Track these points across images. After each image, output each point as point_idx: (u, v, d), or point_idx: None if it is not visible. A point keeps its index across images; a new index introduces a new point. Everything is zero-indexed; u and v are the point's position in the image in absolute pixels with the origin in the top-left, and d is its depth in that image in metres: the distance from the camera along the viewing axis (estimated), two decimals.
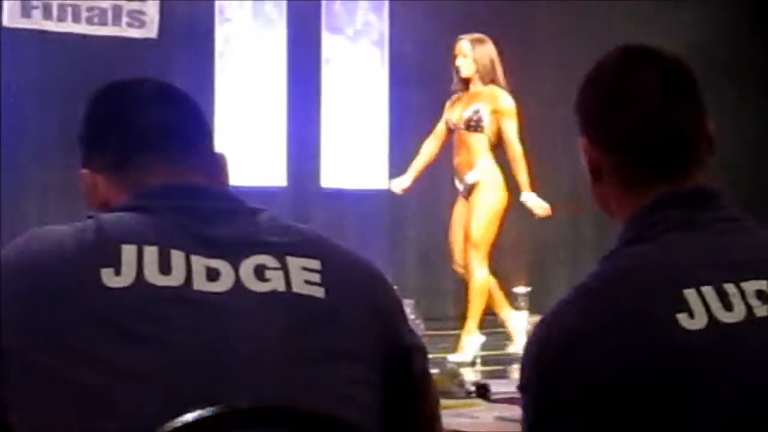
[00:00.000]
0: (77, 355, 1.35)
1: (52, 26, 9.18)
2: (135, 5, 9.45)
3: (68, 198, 9.08)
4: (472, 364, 6.85)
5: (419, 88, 10.49)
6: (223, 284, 1.41)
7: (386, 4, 10.39)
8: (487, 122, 6.92)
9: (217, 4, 9.80)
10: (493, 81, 6.99)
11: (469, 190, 7.04)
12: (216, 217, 1.50)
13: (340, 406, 1.36)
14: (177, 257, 1.42)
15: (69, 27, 9.25)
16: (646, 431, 1.41)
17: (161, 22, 9.55)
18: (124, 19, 9.41)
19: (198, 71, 9.29)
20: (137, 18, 9.44)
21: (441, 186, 10.71)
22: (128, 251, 1.40)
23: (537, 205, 7.21)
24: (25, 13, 9.10)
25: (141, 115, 1.62)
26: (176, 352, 1.35)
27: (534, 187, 7.30)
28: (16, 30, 9.12)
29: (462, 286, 10.57)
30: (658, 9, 10.04)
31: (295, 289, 1.43)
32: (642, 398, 1.40)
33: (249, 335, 1.39)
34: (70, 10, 9.26)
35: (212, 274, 1.42)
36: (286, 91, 9.96)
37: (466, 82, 7.07)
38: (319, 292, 1.44)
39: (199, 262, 1.41)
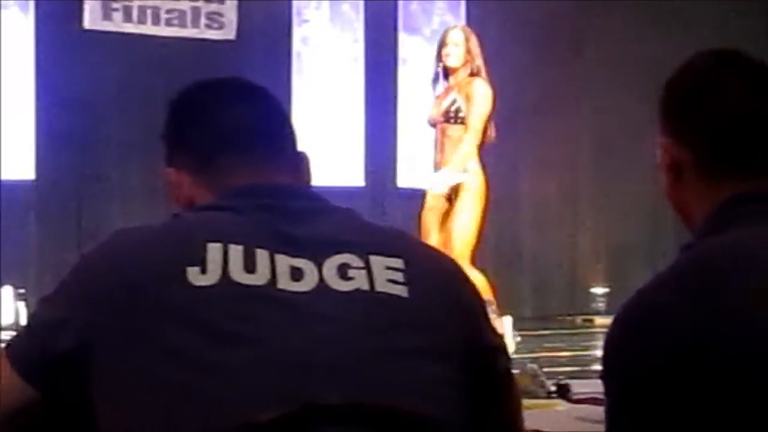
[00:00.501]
0: (163, 353, 1.37)
1: (131, 28, 9.28)
2: (213, 7, 9.53)
3: (149, 200, 9.25)
4: None
5: (498, 87, 10.52)
6: (307, 284, 1.42)
7: (463, 3, 10.38)
8: (464, 111, 6.67)
9: (294, 5, 9.87)
10: (479, 73, 6.76)
11: (454, 189, 6.69)
12: (300, 216, 1.51)
13: (425, 405, 1.36)
14: (262, 256, 1.42)
15: (148, 29, 9.37)
16: (711, 411, 1.41)
17: (239, 24, 9.64)
18: (203, 21, 9.48)
19: (275, 72, 9.32)
20: (216, 20, 9.49)
21: (518, 182, 10.71)
22: (214, 250, 1.42)
23: (438, 180, 6.74)
24: (106, 15, 9.18)
25: (225, 114, 1.63)
26: (261, 351, 1.36)
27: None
28: (97, 32, 9.25)
29: (539, 285, 10.58)
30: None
31: (379, 288, 1.43)
32: (718, 381, 1.39)
33: (333, 334, 1.39)
34: (149, 12, 9.35)
35: (296, 274, 1.42)
36: (363, 92, 9.99)
37: (447, 73, 6.83)
38: (402, 291, 1.44)
39: (283, 262, 1.42)
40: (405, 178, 10.11)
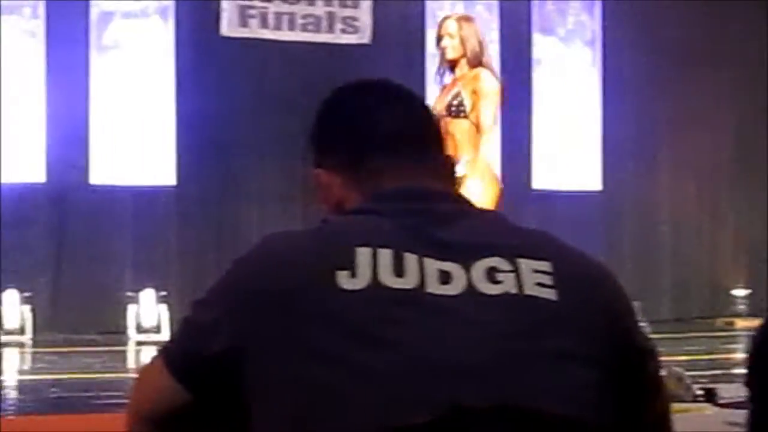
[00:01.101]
0: (313, 356, 1.38)
1: (268, 34, 9.42)
2: (348, 11, 9.60)
3: (286, 204, 9.42)
4: None
5: (633, 88, 10.35)
6: (456, 287, 1.42)
7: (598, 3, 10.25)
8: (468, 105, 6.35)
9: (428, 7, 9.86)
10: (481, 63, 6.41)
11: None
12: (447, 219, 1.51)
13: (572, 407, 1.37)
14: (410, 260, 1.43)
15: (285, 35, 9.53)
16: None
17: (374, 28, 9.70)
18: (338, 26, 9.61)
19: (410, 75, 9.21)
20: (351, 24, 9.61)
21: (656, 185, 10.55)
22: (363, 254, 1.43)
23: None
24: (243, 22, 9.37)
25: (375, 116, 1.63)
26: (409, 354, 1.37)
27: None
28: (234, 39, 9.46)
29: (678, 287, 10.39)
30: None
31: (527, 291, 1.43)
32: None
33: (481, 338, 1.40)
34: (285, 18, 9.50)
35: (445, 277, 1.43)
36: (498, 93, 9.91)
37: (452, 66, 6.51)
38: (551, 294, 1.43)
39: (431, 265, 1.43)
40: (539, 180, 10.04)
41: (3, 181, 9.22)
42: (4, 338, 8.68)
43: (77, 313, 9.34)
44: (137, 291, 9.11)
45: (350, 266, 1.41)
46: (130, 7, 9.38)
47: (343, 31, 9.60)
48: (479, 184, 6.37)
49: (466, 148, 6.29)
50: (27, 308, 8.87)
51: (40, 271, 9.36)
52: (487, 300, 1.41)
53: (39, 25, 9.24)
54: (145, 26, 9.40)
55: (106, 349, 8.39)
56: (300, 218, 8.95)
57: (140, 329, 8.97)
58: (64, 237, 9.50)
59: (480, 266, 1.44)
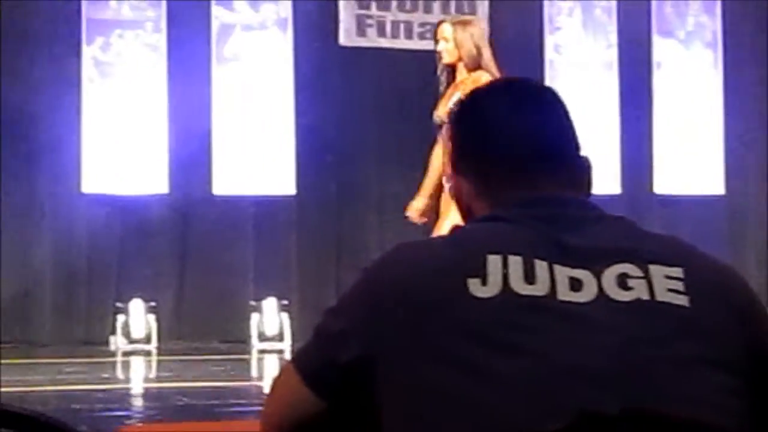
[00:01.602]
0: (445, 364, 1.39)
1: (385, 43, 9.51)
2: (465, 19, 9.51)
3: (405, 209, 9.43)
4: None
5: (755, 89, 10.15)
6: (587, 294, 1.43)
7: (718, 3, 10.08)
8: None
9: (546, 13, 9.87)
10: (481, 67, 6.25)
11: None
12: (577, 226, 1.51)
13: (705, 413, 1.36)
14: (541, 267, 1.44)
15: (402, 43, 9.60)
16: None
17: (490, 34, 9.27)
18: None
19: None
20: None
21: None
22: (493, 261, 1.44)
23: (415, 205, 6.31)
24: (361, 31, 9.49)
25: (506, 121, 1.61)
26: (541, 361, 1.38)
27: None
28: (352, 48, 9.57)
29: None
30: None
31: (659, 297, 1.43)
32: None
33: (613, 344, 1.39)
34: (402, 26, 9.58)
35: (575, 284, 1.44)
36: (617, 98, 9.87)
37: (451, 71, 6.37)
38: (683, 301, 1.43)
39: (562, 272, 1.44)
40: (661, 184, 9.91)
41: (127, 193, 9.44)
42: (131, 347, 8.88)
43: (200, 322, 9.48)
44: (259, 300, 9.20)
45: (481, 274, 1.42)
46: (249, 20, 9.51)
47: None
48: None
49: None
50: (152, 317, 9.02)
51: (165, 281, 9.52)
52: (618, 306, 1.41)
53: (161, 39, 9.44)
54: (265, 38, 9.53)
55: (230, 357, 8.48)
56: (420, 226, 8.94)
57: (262, 338, 9.07)
58: (187, 247, 9.64)
59: (611, 273, 1.44)
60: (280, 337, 9.05)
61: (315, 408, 1.49)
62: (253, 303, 9.22)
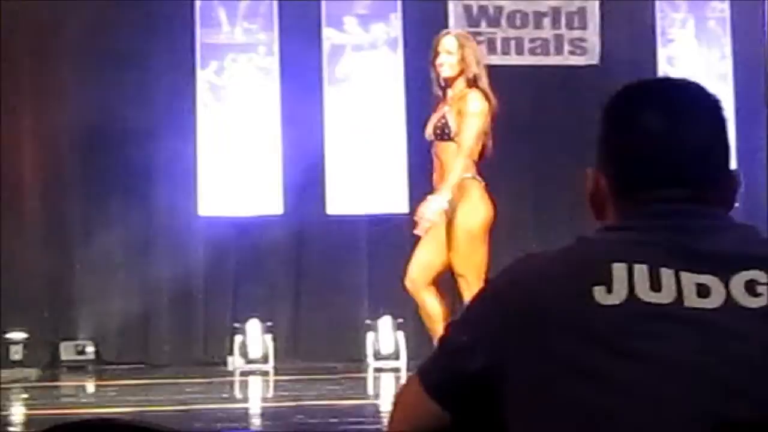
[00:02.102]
0: (572, 372, 1.39)
1: (496, 60, 9.33)
2: (576, 33, 9.66)
3: (516, 227, 9.11)
4: None
5: None
6: (714, 300, 1.42)
7: None
8: (454, 127, 6.05)
9: (659, 25, 9.78)
10: (477, 85, 6.09)
11: (452, 207, 6.06)
12: (704, 234, 1.49)
13: None
14: (666, 275, 1.43)
15: (513, 59, 9.60)
16: None
17: (602, 48, 9.68)
18: (566, 48, 9.67)
19: None
20: (579, 46, 9.65)
21: None
22: (619, 269, 1.44)
23: (422, 214, 6.04)
24: None
25: (642, 125, 1.56)
26: (670, 369, 1.37)
27: None
28: None
29: None
30: None
31: None
32: None
33: (743, 351, 1.38)
34: (513, 42, 9.61)
35: (702, 291, 1.42)
36: (733, 109, 9.40)
37: (446, 85, 6.17)
38: None
39: (688, 279, 1.43)
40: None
41: (243, 214, 9.54)
42: (248, 367, 8.98)
43: (316, 341, 9.57)
44: (375, 318, 9.28)
45: (607, 282, 1.43)
46: (360, 40, 9.62)
47: (572, 52, 9.68)
48: (465, 207, 6.03)
49: (457, 170, 5.99)
50: (269, 337, 9.12)
51: (281, 301, 9.62)
52: (747, 313, 1.40)
53: (273, 62, 9.59)
54: (375, 58, 9.63)
55: (346, 376, 8.54)
56: (531, 241, 8.90)
57: (378, 356, 9.13)
58: (302, 267, 9.72)
59: (739, 279, 1.43)
60: (395, 356, 9.10)
61: (440, 420, 1.51)
62: (368, 322, 9.32)
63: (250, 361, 9.07)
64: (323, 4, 9.67)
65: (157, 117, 9.46)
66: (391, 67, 9.63)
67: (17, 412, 7.31)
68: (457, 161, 6.00)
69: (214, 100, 9.65)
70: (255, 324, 9.14)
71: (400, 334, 9.17)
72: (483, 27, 9.49)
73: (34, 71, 9.70)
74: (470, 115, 6.00)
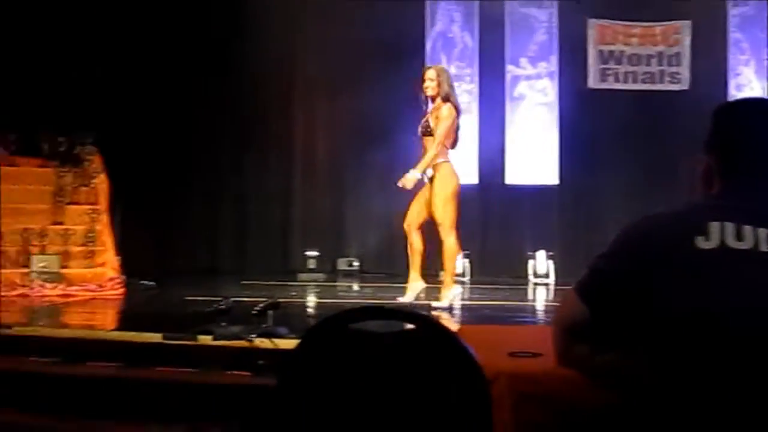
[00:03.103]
0: (679, 289, 1.50)
1: (619, 86, 9.92)
2: (674, 69, 9.89)
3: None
4: (450, 310, 6.60)
5: None
6: None
7: None
8: (433, 127, 6.54)
9: (730, 64, 9.78)
10: (449, 99, 6.56)
11: (431, 179, 6.59)
12: None
13: None
14: (747, 230, 1.51)
15: (630, 86, 9.96)
16: None
17: (691, 77, 9.88)
18: (666, 79, 9.93)
19: None
20: (675, 77, 9.91)
21: None
22: (714, 225, 1.51)
23: (404, 180, 6.47)
24: (603, 78, 9.95)
25: (754, 132, 1.64)
26: (747, 292, 1.47)
27: None
28: (598, 90, 9.99)
29: None
30: None
31: None
32: None
33: None
34: (630, 75, 10.00)
35: None
36: None
37: (431, 100, 6.66)
38: None
39: (763, 233, 1.51)
40: None
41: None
42: (456, 278, 8.30)
43: (496, 264, 10.01)
44: (534, 251, 9.64)
45: (705, 233, 1.51)
46: (530, 72, 10.07)
47: (670, 81, 9.87)
48: (439, 176, 6.49)
49: (431, 154, 6.47)
50: (466, 261, 9.36)
51: (475, 238, 9.75)
52: None
53: (474, 88, 10.21)
54: (540, 84, 10.06)
55: (515, 287, 8.94)
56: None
57: (536, 275, 9.49)
58: (488, 217, 10.21)
59: None
60: (546, 276, 9.45)
61: (584, 315, 1.63)
62: (530, 253, 9.63)
63: (455, 276, 7.63)
64: (507, 49, 10.04)
65: (400, 121, 9.33)
66: (550, 89, 10.05)
67: (312, 300, 7.67)
68: (431, 149, 6.46)
69: None
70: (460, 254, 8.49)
71: (551, 263, 9.54)
72: (611, 64, 9.88)
73: (326, 69, 9.98)
74: (443, 118, 6.49)
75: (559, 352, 1.72)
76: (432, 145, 6.50)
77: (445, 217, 6.48)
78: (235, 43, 10.03)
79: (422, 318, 1.60)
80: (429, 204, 6.51)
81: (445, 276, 6.64)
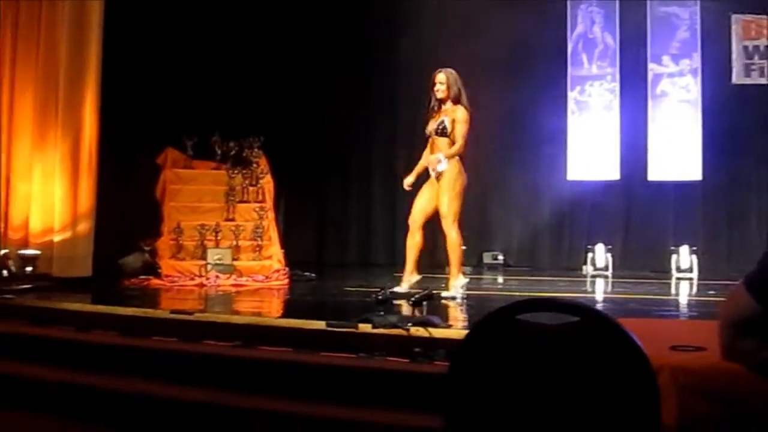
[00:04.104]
0: None
1: (764, 81, 9.60)
2: None
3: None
4: (454, 298, 6.62)
5: None
6: None
7: None
8: (449, 129, 6.61)
9: None
10: (459, 101, 6.63)
11: (438, 176, 6.64)
12: None
13: None
14: None
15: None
16: None
17: None
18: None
19: None
20: None
21: None
22: None
23: (432, 159, 6.61)
24: (747, 73, 9.67)
25: None
26: None
27: None
28: (741, 86, 9.72)
29: None
30: None
31: None
32: None
33: None
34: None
35: None
36: None
37: (440, 102, 6.71)
38: None
39: None
40: None
41: (594, 179, 9.94)
42: (596, 272, 9.36)
43: (638, 258, 9.84)
44: (677, 246, 9.48)
45: None
46: (672, 70, 9.86)
47: None
48: (450, 173, 6.56)
49: (444, 152, 6.57)
50: (609, 255, 9.53)
51: (616, 232, 9.98)
52: None
53: (615, 86, 10.14)
54: (682, 81, 9.84)
55: (658, 281, 8.71)
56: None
57: (679, 270, 9.30)
58: (630, 212, 10.06)
59: None
60: (690, 270, 9.25)
61: (753, 310, 1.57)
62: (672, 247, 9.45)
63: (597, 269, 9.40)
64: (648, 47, 9.85)
65: (540, 120, 10.05)
66: (693, 86, 9.82)
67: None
68: (453, 148, 6.59)
69: (578, 110, 10.13)
70: (600, 246, 9.54)
71: (694, 257, 9.35)
72: (756, 59, 9.56)
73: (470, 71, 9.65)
74: (460, 121, 6.62)
75: (725, 346, 1.66)
76: (448, 144, 6.62)
77: (450, 211, 6.53)
78: (389, 45, 10.26)
79: (591, 310, 1.55)
80: (434, 199, 6.57)
81: (452, 267, 6.66)
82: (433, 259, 8.09)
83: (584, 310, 1.55)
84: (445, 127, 6.56)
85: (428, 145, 6.70)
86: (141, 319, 5.35)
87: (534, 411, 1.51)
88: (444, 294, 6.59)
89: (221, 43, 9.77)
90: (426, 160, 6.61)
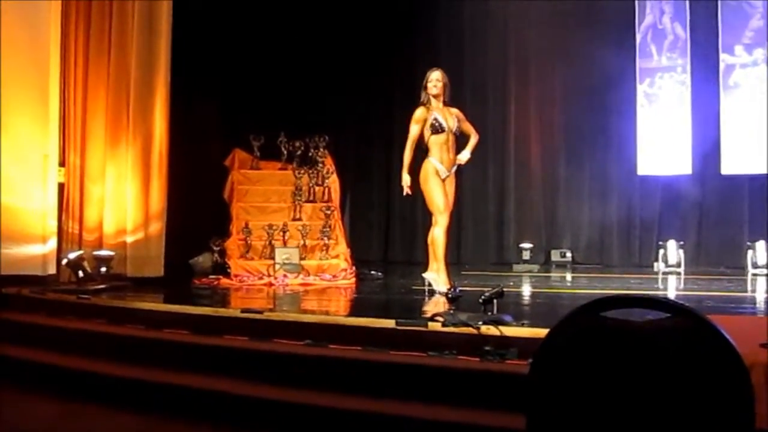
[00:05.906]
0: None
1: None
2: None
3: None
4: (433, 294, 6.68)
5: None
6: None
7: None
8: (446, 126, 6.90)
9: None
10: (447, 101, 6.91)
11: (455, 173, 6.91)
12: None
13: None
14: None
15: None
16: None
17: None
18: None
19: None
20: None
21: None
22: None
23: (463, 157, 6.92)
24: None
25: None
26: None
27: None
28: None
29: None
30: None
31: None
32: None
33: None
34: None
35: None
36: None
37: (434, 98, 6.91)
38: None
39: None
40: None
41: (666, 173, 9.92)
42: (668, 269, 9.31)
43: (712, 254, 9.91)
44: (753, 241, 9.28)
45: None
46: (745, 60, 9.73)
47: None
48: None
49: (469, 148, 6.90)
50: (681, 251, 9.41)
51: (689, 229, 9.92)
52: None
53: (686, 78, 10.02)
54: (756, 71, 9.70)
55: (733, 277, 8.64)
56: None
57: (755, 266, 9.21)
58: (704, 208, 10.01)
59: None
60: (766, 266, 9.10)
61: None
62: (748, 243, 9.30)
63: (669, 266, 9.32)
64: (719, 37, 9.76)
65: (609, 114, 10.21)
66: (766, 77, 9.57)
67: (526, 289, 7.67)
68: (474, 141, 6.99)
69: (647, 103, 10.11)
70: (672, 242, 9.42)
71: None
72: None
73: (537, 81, 10.38)
74: (464, 120, 7.09)
75: None
76: (473, 137, 7.01)
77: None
78: (453, 45, 10.50)
79: (681, 306, 1.49)
80: (450, 194, 6.87)
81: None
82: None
83: (674, 307, 1.50)
84: (441, 125, 6.87)
85: (445, 141, 6.88)
86: (212, 318, 5.44)
87: (622, 411, 1.46)
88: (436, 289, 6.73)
89: (286, 44, 9.92)
90: (453, 158, 6.89)
